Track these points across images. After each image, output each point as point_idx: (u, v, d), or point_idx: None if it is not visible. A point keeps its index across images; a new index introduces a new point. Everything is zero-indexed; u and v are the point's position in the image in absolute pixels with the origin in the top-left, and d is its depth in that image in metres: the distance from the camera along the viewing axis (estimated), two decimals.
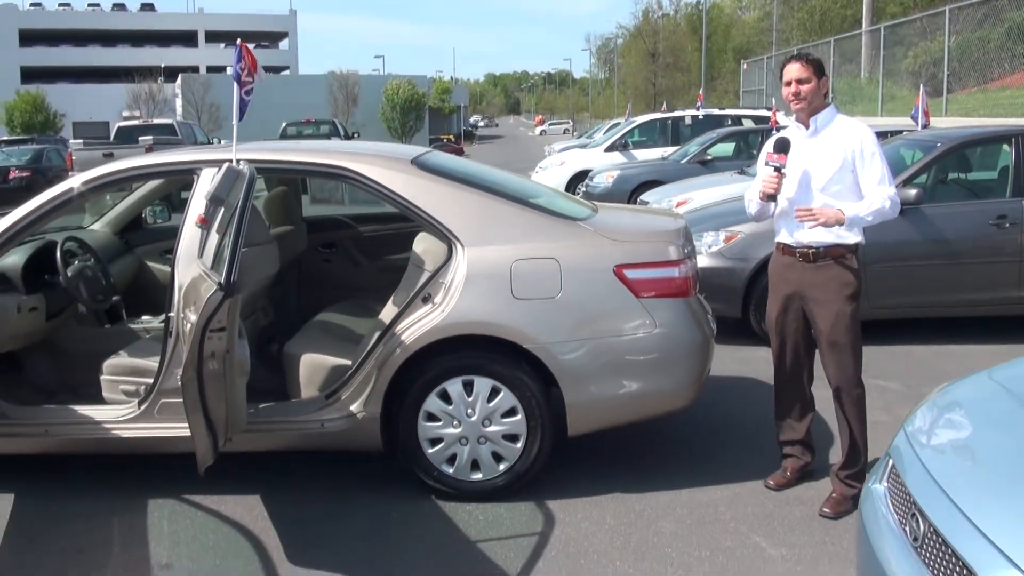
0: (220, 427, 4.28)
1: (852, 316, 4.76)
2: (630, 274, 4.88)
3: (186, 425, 4.15)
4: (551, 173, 21.36)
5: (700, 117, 21.78)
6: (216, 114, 60.10)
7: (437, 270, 4.96)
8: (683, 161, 17.16)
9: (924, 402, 3.55)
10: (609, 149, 21.48)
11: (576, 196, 9.09)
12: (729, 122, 21.00)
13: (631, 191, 16.51)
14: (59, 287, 5.61)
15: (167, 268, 5.98)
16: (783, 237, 4.92)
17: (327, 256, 6.99)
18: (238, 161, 4.70)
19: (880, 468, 3.37)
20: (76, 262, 5.80)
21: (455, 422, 4.91)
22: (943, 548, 2.61)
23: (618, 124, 28.56)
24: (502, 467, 4.96)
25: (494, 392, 4.89)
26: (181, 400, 4.13)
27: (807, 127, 4.84)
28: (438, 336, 4.84)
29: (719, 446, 5.73)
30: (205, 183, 4.97)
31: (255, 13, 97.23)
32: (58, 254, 5.60)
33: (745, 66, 39.67)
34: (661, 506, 4.90)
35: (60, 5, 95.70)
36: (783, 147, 4.76)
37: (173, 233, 5.25)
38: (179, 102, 65.42)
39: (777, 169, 4.73)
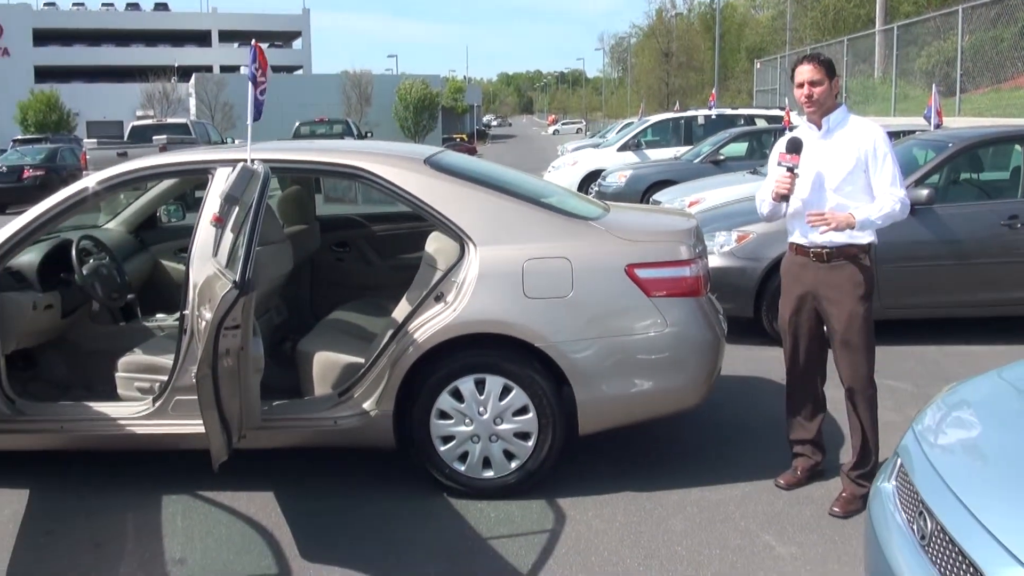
0: (234, 424, 4.32)
1: (865, 316, 4.77)
2: (641, 273, 4.90)
3: (200, 422, 4.18)
4: (564, 173, 21.35)
5: (713, 117, 21.72)
6: (230, 113, 60.26)
7: (449, 269, 4.99)
8: (696, 161, 17.13)
9: (933, 401, 3.56)
10: (622, 149, 21.46)
11: (588, 196, 9.11)
12: (742, 122, 20.93)
13: (643, 191, 16.50)
14: (74, 285, 5.66)
15: (181, 266, 6.05)
16: (796, 237, 4.93)
17: (340, 255, 7.02)
18: (253, 161, 4.74)
19: (888, 467, 3.38)
20: (91, 260, 5.84)
21: (467, 420, 4.94)
22: (950, 547, 2.63)
23: (631, 124, 28.51)
24: (513, 465, 4.98)
25: (506, 390, 4.91)
26: (195, 397, 4.15)
27: (819, 127, 4.85)
28: (450, 335, 4.87)
29: (729, 445, 5.75)
30: (220, 182, 5.00)
31: (269, 13, 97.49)
32: (73, 252, 5.64)
33: (758, 65, 39.61)
34: (671, 504, 4.92)
35: (74, 5, 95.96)
36: (796, 147, 4.77)
37: (187, 232, 5.28)
38: (193, 101, 65.58)
39: (790, 169, 4.73)
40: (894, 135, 9.75)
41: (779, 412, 5.30)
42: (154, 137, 24.41)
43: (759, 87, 38.35)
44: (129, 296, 6.08)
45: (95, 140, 26.93)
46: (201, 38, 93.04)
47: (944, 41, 21.24)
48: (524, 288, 4.85)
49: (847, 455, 5.05)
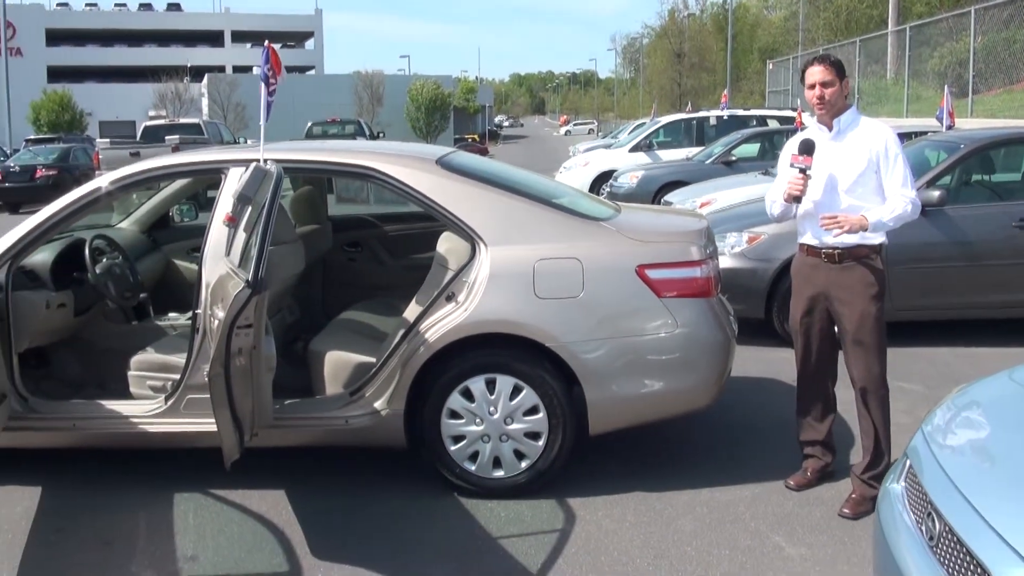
0: (246, 422, 4.34)
1: (877, 316, 4.77)
2: (652, 274, 4.91)
3: (212, 420, 4.21)
4: (575, 173, 21.34)
5: (725, 117, 21.67)
6: (242, 114, 60.38)
7: (461, 269, 5.00)
8: (707, 162, 17.11)
9: (943, 402, 3.57)
10: (634, 149, 21.44)
11: (600, 196, 9.11)
12: (754, 122, 20.89)
13: (655, 192, 16.47)
14: (87, 284, 5.68)
15: (194, 266, 6.07)
16: (807, 238, 4.93)
17: (352, 255, 7.04)
18: (265, 160, 4.76)
19: (897, 468, 3.39)
20: (104, 259, 5.87)
21: (477, 420, 4.95)
22: (958, 547, 2.63)
23: (643, 124, 28.50)
24: (524, 465, 4.99)
25: (516, 390, 4.92)
26: (208, 396, 4.18)
27: (830, 129, 4.85)
28: (461, 335, 4.88)
29: (739, 446, 5.75)
30: (233, 182, 5.02)
31: (281, 13, 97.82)
32: (86, 251, 5.66)
33: (771, 66, 39.54)
34: (681, 505, 4.93)
35: (87, 5, 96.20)
36: (808, 149, 4.76)
37: (200, 231, 5.31)
38: (205, 102, 65.73)
39: (802, 171, 4.73)
40: (906, 136, 9.77)
41: (789, 413, 5.30)
42: (166, 137, 24.54)
43: (771, 88, 38.28)
44: (142, 295, 6.10)
45: (108, 140, 27.09)
46: (213, 38, 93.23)
47: (956, 42, 21.18)
48: (535, 288, 4.86)
49: (857, 456, 5.05)
